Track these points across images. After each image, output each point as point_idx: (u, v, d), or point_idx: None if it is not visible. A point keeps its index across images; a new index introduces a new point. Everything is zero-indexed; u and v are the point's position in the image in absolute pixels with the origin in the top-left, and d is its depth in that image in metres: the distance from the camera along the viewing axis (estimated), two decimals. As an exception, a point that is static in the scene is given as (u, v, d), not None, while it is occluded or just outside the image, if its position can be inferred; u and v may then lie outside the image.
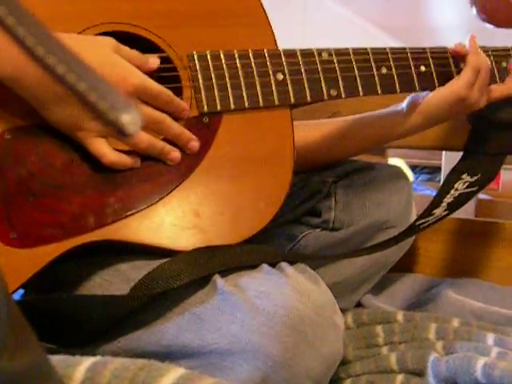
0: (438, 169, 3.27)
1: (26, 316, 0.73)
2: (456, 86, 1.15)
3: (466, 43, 1.17)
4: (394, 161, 3.57)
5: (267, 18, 1.06)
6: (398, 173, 1.29)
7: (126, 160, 0.94)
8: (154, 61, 0.97)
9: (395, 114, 1.22)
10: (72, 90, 0.36)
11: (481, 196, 2.76)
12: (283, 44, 1.08)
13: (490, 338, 1.08)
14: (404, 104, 1.21)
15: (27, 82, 0.86)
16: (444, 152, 2.15)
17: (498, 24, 1.20)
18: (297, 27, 4.28)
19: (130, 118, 0.37)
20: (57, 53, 0.35)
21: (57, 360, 0.64)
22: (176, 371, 0.62)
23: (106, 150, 0.92)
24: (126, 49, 0.94)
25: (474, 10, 1.24)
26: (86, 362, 0.63)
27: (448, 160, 2.05)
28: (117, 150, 0.93)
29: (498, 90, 1.19)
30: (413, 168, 4.05)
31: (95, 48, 0.91)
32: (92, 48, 0.91)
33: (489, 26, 1.19)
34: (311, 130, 1.29)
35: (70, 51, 0.37)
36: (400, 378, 1.01)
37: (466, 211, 2.24)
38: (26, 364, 0.45)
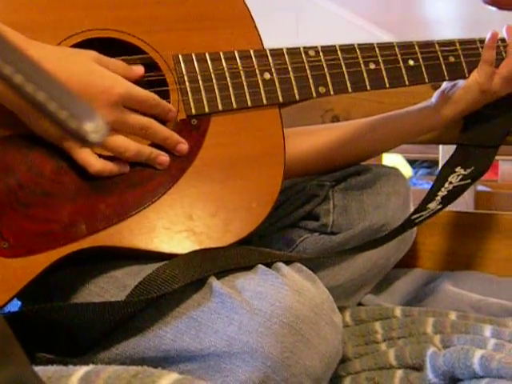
0: (437, 162, 3.26)
1: (23, 327, 0.73)
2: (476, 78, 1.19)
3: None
4: (392, 156, 3.56)
5: (252, 19, 1.06)
6: (395, 174, 1.29)
7: (112, 168, 0.94)
8: (138, 69, 0.97)
9: (425, 109, 1.26)
10: (31, 100, 0.35)
11: (480, 188, 2.75)
12: (277, 45, 1.07)
13: (487, 330, 1.08)
14: (433, 98, 1.25)
15: (10, 96, 0.85)
16: (440, 146, 2.15)
17: (500, 6, 1.19)
18: (290, 27, 4.28)
19: (92, 127, 0.36)
20: (14, 63, 0.35)
21: (50, 371, 0.64)
22: (170, 377, 0.62)
23: (91, 159, 0.92)
24: (107, 59, 0.94)
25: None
26: (79, 372, 0.62)
27: (445, 153, 2.04)
28: (104, 156, 0.93)
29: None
30: (412, 162, 4.05)
31: (77, 59, 0.91)
32: (74, 59, 0.91)
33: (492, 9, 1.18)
34: (322, 134, 1.29)
35: (30, 61, 0.36)
36: (399, 373, 1.00)
37: (466, 203, 2.24)
38: (7, 378, 0.44)
